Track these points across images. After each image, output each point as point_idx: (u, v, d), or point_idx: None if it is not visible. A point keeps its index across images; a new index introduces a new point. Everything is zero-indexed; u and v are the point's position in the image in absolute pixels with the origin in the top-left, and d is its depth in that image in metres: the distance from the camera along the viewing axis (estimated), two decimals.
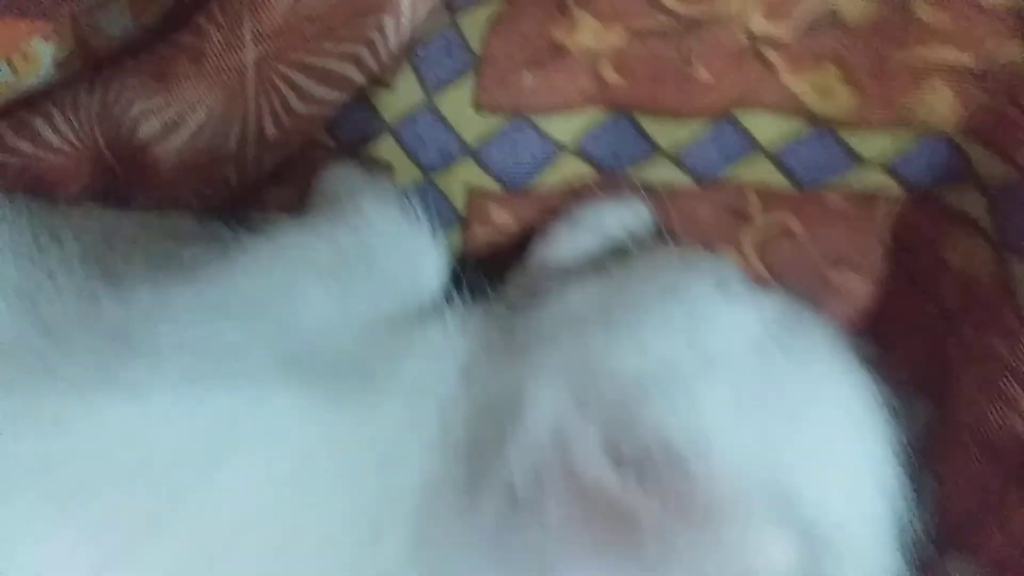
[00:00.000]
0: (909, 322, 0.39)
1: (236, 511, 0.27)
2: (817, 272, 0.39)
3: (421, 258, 0.35)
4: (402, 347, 0.32)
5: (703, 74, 0.36)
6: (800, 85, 0.37)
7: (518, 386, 0.29)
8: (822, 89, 0.37)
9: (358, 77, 0.35)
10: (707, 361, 0.30)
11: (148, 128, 0.34)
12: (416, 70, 0.36)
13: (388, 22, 0.34)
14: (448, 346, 0.32)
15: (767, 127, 0.38)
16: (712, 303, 0.32)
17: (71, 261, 0.32)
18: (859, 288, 0.39)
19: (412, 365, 0.31)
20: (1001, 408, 0.33)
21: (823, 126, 0.38)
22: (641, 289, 0.33)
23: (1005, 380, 0.33)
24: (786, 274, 0.39)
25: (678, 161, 0.39)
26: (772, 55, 0.37)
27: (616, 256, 0.38)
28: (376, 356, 0.31)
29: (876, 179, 0.38)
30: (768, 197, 0.40)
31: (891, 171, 0.38)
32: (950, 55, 0.35)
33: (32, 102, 0.35)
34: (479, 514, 0.28)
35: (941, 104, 0.36)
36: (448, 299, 0.34)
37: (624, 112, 0.38)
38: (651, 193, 0.39)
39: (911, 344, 0.38)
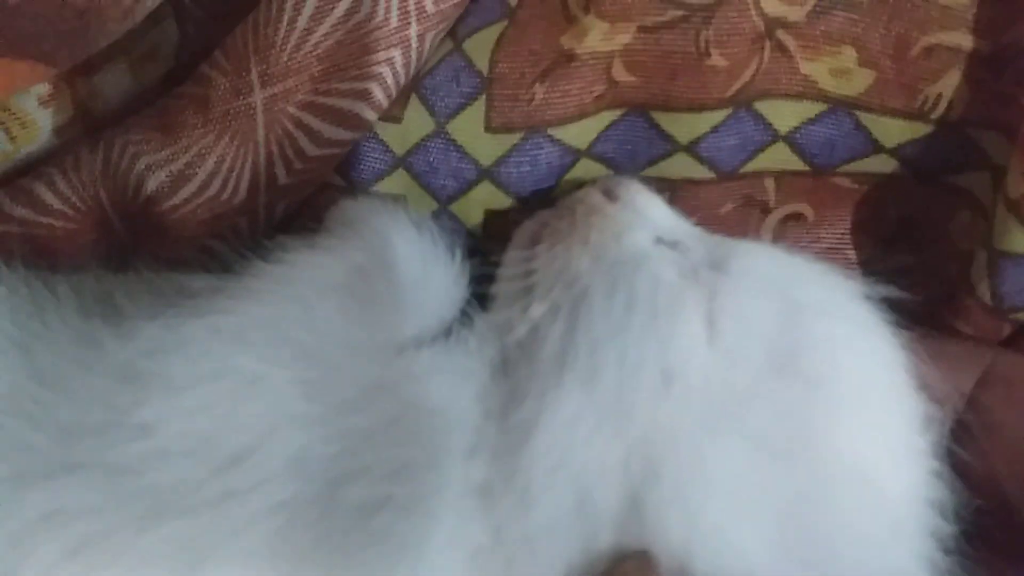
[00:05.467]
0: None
1: None
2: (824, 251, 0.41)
3: (440, 275, 0.34)
4: (428, 368, 0.31)
5: (719, 61, 0.35)
6: (818, 71, 0.36)
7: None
8: (839, 72, 0.36)
9: (369, 114, 0.33)
10: None
11: (155, 182, 0.32)
12: (424, 101, 0.34)
13: (396, 55, 0.32)
14: (471, 366, 0.31)
15: (785, 113, 0.37)
16: None
17: (67, 311, 0.31)
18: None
19: (439, 385, 0.30)
20: None
21: (840, 106, 0.37)
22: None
23: None
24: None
25: (696, 154, 0.38)
26: (788, 40, 0.35)
27: None
28: (402, 380, 0.30)
29: (887, 163, 0.38)
30: (783, 182, 0.40)
31: (901, 157, 0.38)
32: (964, 41, 0.34)
33: (31, 167, 0.33)
34: None
35: (955, 92, 0.35)
36: (467, 317, 0.33)
37: (639, 111, 0.37)
38: (669, 184, 0.38)
39: None
